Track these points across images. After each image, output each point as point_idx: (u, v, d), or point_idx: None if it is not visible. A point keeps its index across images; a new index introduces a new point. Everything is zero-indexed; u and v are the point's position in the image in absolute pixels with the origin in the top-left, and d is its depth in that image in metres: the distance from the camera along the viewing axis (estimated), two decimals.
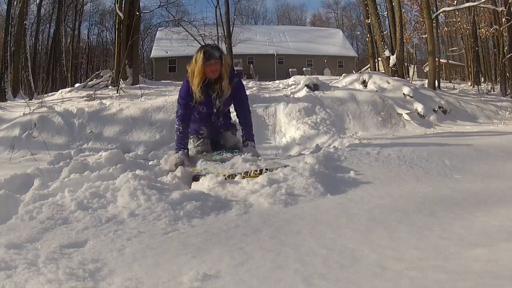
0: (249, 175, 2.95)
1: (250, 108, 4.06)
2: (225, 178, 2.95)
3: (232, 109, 4.11)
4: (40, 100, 8.92)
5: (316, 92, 8.90)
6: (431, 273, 1.43)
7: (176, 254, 1.75)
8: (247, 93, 4.09)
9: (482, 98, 11.01)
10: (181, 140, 3.69)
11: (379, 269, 1.52)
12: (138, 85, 10.06)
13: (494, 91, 15.31)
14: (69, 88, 10.72)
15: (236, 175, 2.97)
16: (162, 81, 14.80)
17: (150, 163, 4.08)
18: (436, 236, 1.82)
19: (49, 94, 11.96)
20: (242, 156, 3.37)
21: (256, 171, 2.97)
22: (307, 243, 1.84)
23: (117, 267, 1.63)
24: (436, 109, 8.63)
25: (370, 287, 1.38)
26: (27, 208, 2.29)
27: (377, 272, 1.50)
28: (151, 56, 34.87)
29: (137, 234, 1.97)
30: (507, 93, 13.70)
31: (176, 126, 3.74)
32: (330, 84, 9.88)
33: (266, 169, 2.97)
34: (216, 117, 3.91)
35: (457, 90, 14.32)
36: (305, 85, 9.33)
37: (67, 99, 8.89)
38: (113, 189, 2.54)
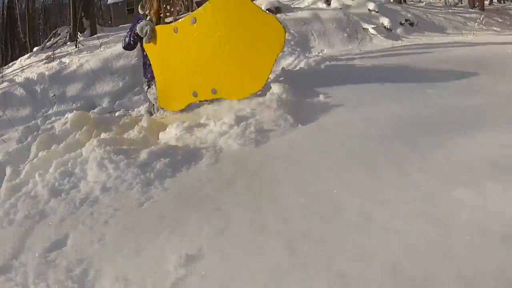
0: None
1: None
2: None
3: None
4: (0, 74, 8.27)
5: (278, 15, 8.52)
6: (418, 224, 1.38)
7: (155, 231, 1.71)
8: None
9: (450, 10, 10.81)
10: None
11: (363, 220, 1.47)
12: (96, 35, 9.42)
13: (461, 3, 15.06)
14: (28, 54, 10.05)
15: None
16: (121, 26, 13.89)
17: (117, 113, 3.97)
18: (416, 169, 1.76)
19: (10, 64, 11.17)
20: None
21: None
22: (284, 190, 1.78)
23: (102, 265, 1.60)
24: (402, 22, 8.59)
25: (355, 246, 1.27)
26: (4, 207, 2.22)
27: (362, 224, 1.45)
28: (108, 3, 32.70)
29: (112, 213, 1.93)
30: (476, 6, 13.45)
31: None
32: (292, 6, 9.52)
33: None
34: None
35: (424, 3, 13.98)
36: (267, 9, 8.91)
37: (27, 66, 8.30)
38: (81, 163, 2.47)
